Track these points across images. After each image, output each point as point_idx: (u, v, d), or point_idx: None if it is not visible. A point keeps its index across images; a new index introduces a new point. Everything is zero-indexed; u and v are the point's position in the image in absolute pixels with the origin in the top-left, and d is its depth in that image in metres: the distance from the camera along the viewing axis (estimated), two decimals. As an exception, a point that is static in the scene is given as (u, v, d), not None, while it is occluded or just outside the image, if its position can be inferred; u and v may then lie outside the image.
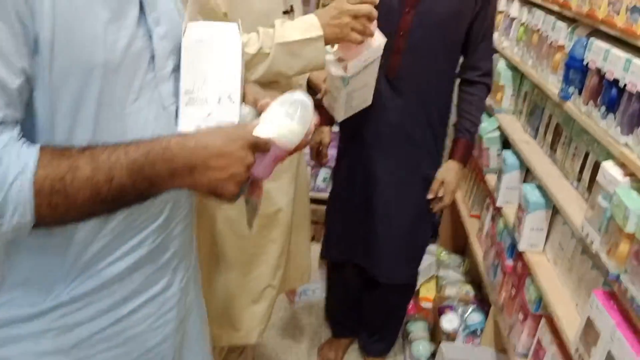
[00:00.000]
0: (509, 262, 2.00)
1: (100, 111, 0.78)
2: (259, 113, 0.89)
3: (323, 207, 2.38)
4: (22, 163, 0.69)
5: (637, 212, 1.13)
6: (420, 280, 2.79)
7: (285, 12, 1.52)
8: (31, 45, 0.71)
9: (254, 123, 0.85)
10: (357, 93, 1.59)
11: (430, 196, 1.98)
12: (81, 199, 0.72)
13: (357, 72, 1.51)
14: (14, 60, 0.69)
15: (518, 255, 1.91)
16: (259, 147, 0.82)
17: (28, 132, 0.75)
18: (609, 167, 1.33)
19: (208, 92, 0.89)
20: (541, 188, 1.83)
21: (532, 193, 1.82)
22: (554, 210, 1.78)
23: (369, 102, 1.67)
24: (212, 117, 0.89)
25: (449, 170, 1.96)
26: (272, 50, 1.38)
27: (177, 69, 0.91)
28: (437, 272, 2.91)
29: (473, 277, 2.85)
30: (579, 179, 1.67)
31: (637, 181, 1.26)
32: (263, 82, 1.39)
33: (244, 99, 0.95)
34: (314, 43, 1.39)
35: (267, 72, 1.39)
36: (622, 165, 1.32)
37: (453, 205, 3.09)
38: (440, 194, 1.98)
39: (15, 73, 0.70)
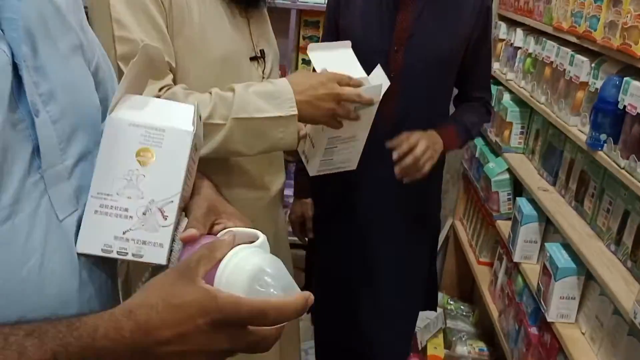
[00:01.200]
0: (534, 331, 1.74)
1: None
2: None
3: (303, 252, 2.12)
4: None
5: None
6: (427, 335, 2.53)
7: (252, 59, 1.24)
8: None
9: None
10: (341, 145, 1.29)
11: (390, 144, 1.46)
12: None
13: None
14: None
15: (545, 325, 1.65)
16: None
17: None
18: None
19: (130, 199, 0.62)
20: (569, 248, 1.57)
21: (559, 255, 1.57)
22: (587, 275, 1.52)
23: (353, 166, 1.37)
24: (129, 237, 0.62)
25: (423, 133, 1.48)
26: (228, 123, 1.09)
27: (84, 159, 0.64)
28: (444, 324, 2.64)
29: (485, 330, 2.59)
30: (618, 242, 1.41)
31: None
32: (211, 157, 1.10)
33: (184, 209, 0.68)
34: (285, 123, 1.12)
35: (219, 149, 1.10)
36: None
37: (458, 247, 2.86)
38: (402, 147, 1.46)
39: None
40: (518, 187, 2.14)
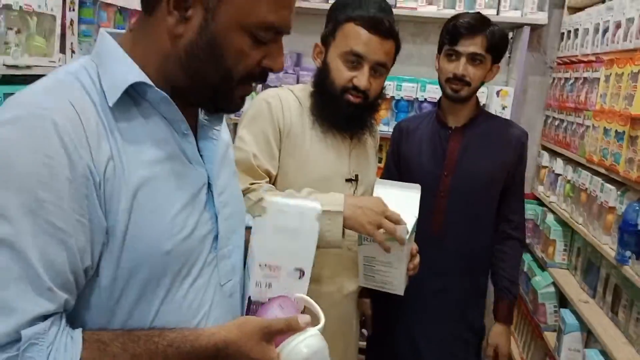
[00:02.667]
0: None
1: (164, 296, 0.83)
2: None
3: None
4: (69, 358, 0.72)
5: None
6: None
7: (348, 180, 1.58)
8: (102, 240, 0.77)
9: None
10: (379, 267, 1.47)
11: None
12: None
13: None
14: (85, 257, 0.75)
15: None
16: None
17: (83, 314, 0.79)
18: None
19: (281, 264, 0.95)
20: (606, 355, 1.74)
21: (597, 361, 1.73)
22: (623, 380, 1.67)
23: (399, 291, 1.48)
24: (278, 286, 0.95)
25: (498, 335, 1.90)
26: None
27: (237, 248, 0.97)
28: None
29: None
30: (648, 348, 1.59)
31: None
32: None
33: None
34: (331, 216, 1.35)
35: None
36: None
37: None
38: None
39: (84, 263, 0.75)
40: (563, 300, 2.32)
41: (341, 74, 1.47)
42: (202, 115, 0.95)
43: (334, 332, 1.63)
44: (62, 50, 1.82)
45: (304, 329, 0.87)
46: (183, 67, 0.82)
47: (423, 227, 1.57)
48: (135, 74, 0.80)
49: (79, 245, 0.74)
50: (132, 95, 0.81)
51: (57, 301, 0.73)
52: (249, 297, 0.96)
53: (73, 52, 1.84)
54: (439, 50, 1.82)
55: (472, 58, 1.73)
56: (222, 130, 1.03)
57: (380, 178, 1.83)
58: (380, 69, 1.49)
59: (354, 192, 1.59)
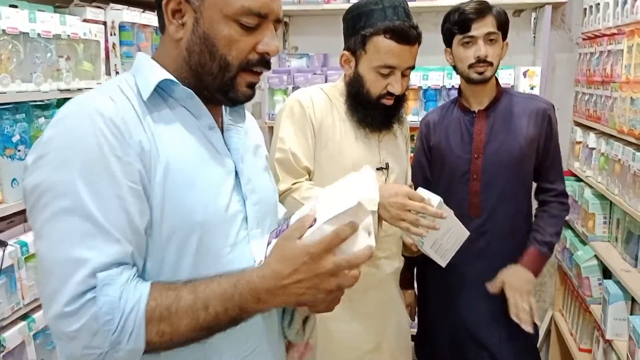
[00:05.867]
0: (630, 402, 1.87)
1: (197, 263, 0.92)
2: None
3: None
4: (138, 295, 0.83)
5: None
6: None
7: (379, 169, 1.66)
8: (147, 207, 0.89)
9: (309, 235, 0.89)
10: (445, 241, 1.58)
11: (491, 289, 1.82)
12: (184, 326, 0.84)
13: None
14: (141, 215, 0.88)
15: (639, 394, 1.79)
16: (325, 252, 0.86)
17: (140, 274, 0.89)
18: None
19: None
20: (651, 320, 1.76)
21: (641, 325, 1.76)
22: (670, 343, 1.70)
23: (466, 233, 1.59)
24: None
25: (511, 272, 1.82)
26: None
27: (275, 231, 1.06)
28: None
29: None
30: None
31: None
32: None
33: None
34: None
35: None
36: None
37: (560, 338, 2.96)
38: (510, 300, 1.79)
39: (142, 223, 0.87)
40: (607, 272, 2.34)
41: (376, 84, 1.58)
42: (226, 116, 1.07)
43: (381, 314, 1.72)
44: (108, 72, 1.98)
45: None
46: (187, 64, 0.96)
47: (460, 212, 1.62)
48: (163, 74, 0.95)
49: (136, 207, 0.86)
50: (162, 95, 0.96)
51: (125, 251, 0.85)
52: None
53: (117, 72, 1.99)
54: (448, 43, 1.87)
55: (489, 38, 1.79)
56: (252, 133, 1.15)
57: (412, 173, 1.90)
58: (409, 70, 1.60)
59: (385, 180, 1.67)
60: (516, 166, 1.86)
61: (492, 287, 1.82)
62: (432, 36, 2.05)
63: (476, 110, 1.89)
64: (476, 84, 1.83)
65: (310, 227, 0.89)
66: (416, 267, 2.05)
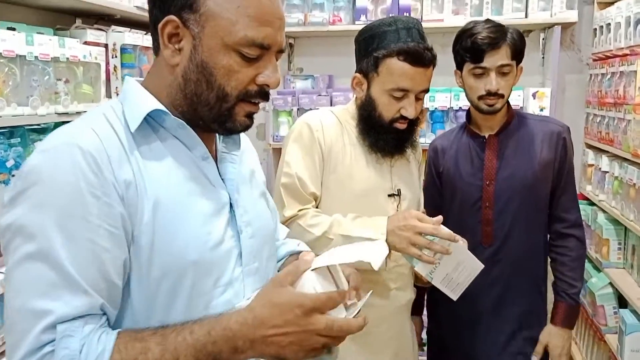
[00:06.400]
0: None
1: (191, 304, 0.87)
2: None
3: None
4: (101, 348, 0.77)
5: None
6: None
7: (390, 195, 1.59)
8: (129, 249, 0.83)
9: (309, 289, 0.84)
10: (455, 275, 1.48)
11: (535, 357, 1.80)
12: None
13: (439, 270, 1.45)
14: (117, 263, 0.82)
15: None
16: (321, 309, 0.81)
17: (126, 320, 0.84)
18: None
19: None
20: (671, 353, 1.68)
21: (661, 359, 1.68)
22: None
23: (480, 266, 1.48)
24: None
25: (552, 335, 1.80)
26: (335, 238, 1.44)
27: (269, 261, 1.02)
28: None
29: None
30: None
31: None
32: None
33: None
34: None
35: None
36: None
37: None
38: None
39: (116, 272, 0.81)
40: (622, 301, 2.25)
41: (389, 107, 1.52)
42: (220, 143, 1.01)
43: (388, 346, 1.64)
44: (108, 94, 1.94)
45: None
46: (182, 91, 0.90)
47: (472, 240, 1.54)
48: (153, 104, 0.89)
49: (111, 254, 0.81)
50: (152, 125, 0.90)
51: (93, 303, 0.79)
52: None
53: (117, 95, 1.95)
54: (459, 66, 1.76)
55: (501, 71, 1.69)
56: (246, 157, 1.10)
57: (424, 199, 1.81)
58: (423, 93, 1.55)
59: (397, 207, 1.61)
60: (530, 192, 1.77)
61: (536, 353, 1.79)
62: (438, 57, 2.00)
63: (486, 135, 1.80)
64: (486, 114, 1.75)
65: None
66: (427, 294, 1.96)
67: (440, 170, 1.87)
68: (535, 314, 1.83)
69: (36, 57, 1.55)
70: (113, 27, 1.98)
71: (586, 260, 2.59)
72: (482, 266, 1.48)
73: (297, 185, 1.53)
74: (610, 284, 2.29)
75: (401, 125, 1.54)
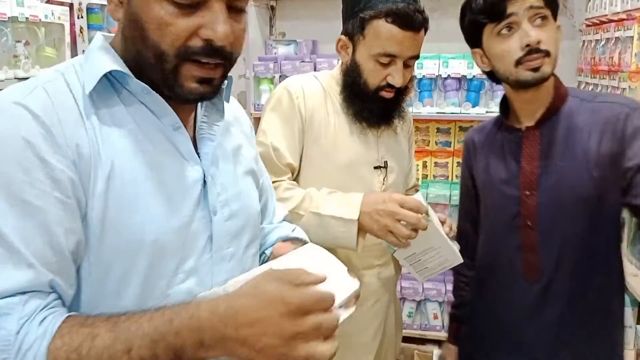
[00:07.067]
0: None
1: (144, 293, 0.78)
2: None
3: (410, 345, 2.24)
4: (42, 330, 0.68)
5: None
6: None
7: (376, 167, 1.51)
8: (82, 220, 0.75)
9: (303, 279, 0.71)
10: (424, 257, 1.36)
11: None
12: None
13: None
14: (69, 234, 0.73)
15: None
16: (309, 312, 0.68)
17: (73, 303, 0.76)
18: None
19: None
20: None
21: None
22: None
23: (458, 260, 1.35)
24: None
25: None
26: (306, 215, 1.36)
27: (248, 248, 0.92)
28: None
29: None
30: None
31: None
32: None
33: None
34: (345, 224, 1.33)
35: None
36: None
37: None
38: None
39: (69, 244, 0.73)
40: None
41: (375, 74, 1.41)
42: (201, 113, 0.91)
43: (372, 323, 1.59)
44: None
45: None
46: (130, 51, 0.81)
47: (509, 271, 1.32)
48: (110, 65, 0.79)
49: (62, 225, 0.72)
50: (116, 87, 0.81)
51: (39, 278, 0.70)
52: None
53: (85, 59, 1.83)
54: (475, 43, 1.35)
55: (536, 16, 1.25)
56: (235, 130, 0.99)
57: (459, 203, 1.59)
58: (412, 60, 1.43)
59: (383, 180, 1.53)
60: (591, 203, 1.28)
61: None
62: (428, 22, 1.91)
63: (524, 128, 1.35)
64: (532, 86, 1.28)
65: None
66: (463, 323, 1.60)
67: (473, 172, 1.50)
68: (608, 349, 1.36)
69: (-9, 17, 1.43)
70: (79, -15, 1.84)
71: None
72: (461, 260, 1.35)
73: (272, 156, 1.43)
74: None
75: (387, 94, 1.43)
